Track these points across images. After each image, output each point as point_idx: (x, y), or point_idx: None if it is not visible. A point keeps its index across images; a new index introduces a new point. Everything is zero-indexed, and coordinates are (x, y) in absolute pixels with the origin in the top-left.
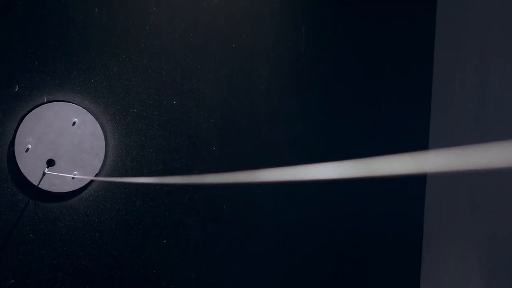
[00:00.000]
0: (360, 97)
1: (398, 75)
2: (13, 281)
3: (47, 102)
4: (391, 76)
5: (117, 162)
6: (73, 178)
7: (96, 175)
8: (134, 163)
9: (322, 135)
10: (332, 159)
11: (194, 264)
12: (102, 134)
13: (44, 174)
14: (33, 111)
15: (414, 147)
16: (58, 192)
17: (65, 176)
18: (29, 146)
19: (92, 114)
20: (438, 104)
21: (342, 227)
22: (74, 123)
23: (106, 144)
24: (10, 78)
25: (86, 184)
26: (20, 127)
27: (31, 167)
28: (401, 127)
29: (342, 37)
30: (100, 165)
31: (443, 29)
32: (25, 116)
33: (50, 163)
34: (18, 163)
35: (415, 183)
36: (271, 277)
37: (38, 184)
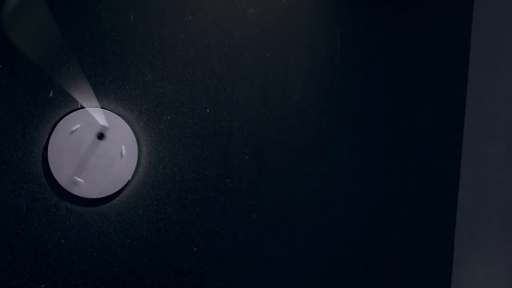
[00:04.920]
0: (394, 110)
1: (432, 88)
2: (43, 286)
3: (81, 107)
4: (425, 90)
5: (150, 169)
6: (105, 184)
7: (128, 182)
8: (166, 171)
9: (354, 147)
10: (364, 171)
11: (224, 273)
12: (135, 141)
13: (76, 179)
14: (67, 116)
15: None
16: (89, 198)
17: (97, 182)
18: (62, 151)
19: (125, 121)
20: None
21: (372, 236)
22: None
23: (139, 151)
24: (45, 84)
25: (118, 191)
26: (53, 132)
27: (63, 172)
28: (434, 146)
29: (376, 51)
30: (132, 172)
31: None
32: (59, 122)
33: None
34: (51, 168)
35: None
36: (302, 286)
37: (70, 190)
